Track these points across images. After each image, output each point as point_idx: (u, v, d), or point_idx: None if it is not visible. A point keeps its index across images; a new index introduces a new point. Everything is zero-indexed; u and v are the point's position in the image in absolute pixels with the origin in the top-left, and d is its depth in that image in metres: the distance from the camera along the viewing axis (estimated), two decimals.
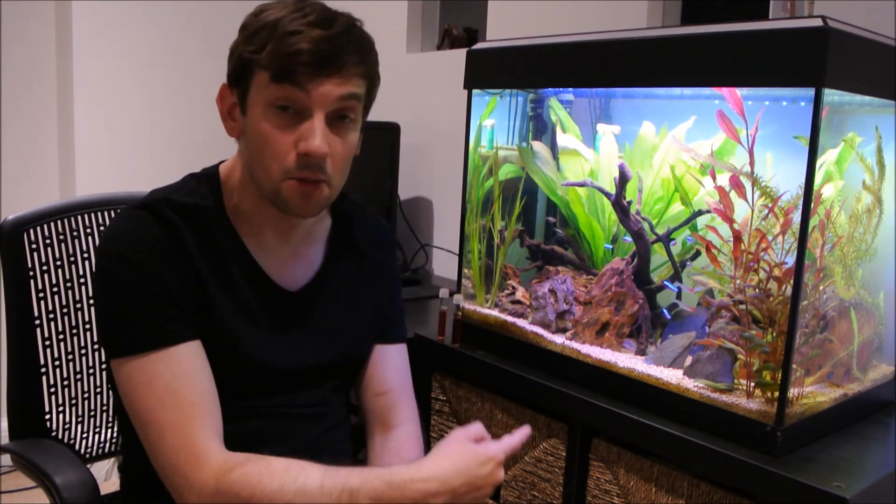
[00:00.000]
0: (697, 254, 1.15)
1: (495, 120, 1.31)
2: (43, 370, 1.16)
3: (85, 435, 1.23)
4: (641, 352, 1.12)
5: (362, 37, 0.94)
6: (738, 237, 0.97)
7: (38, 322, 1.15)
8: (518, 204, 1.29)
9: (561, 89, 1.28)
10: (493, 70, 1.25)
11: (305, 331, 1.02)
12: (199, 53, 2.42)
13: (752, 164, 0.95)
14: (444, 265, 2.05)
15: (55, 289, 1.18)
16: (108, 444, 1.27)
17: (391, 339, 1.12)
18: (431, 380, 1.30)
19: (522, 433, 0.92)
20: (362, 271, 1.09)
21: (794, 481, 0.85)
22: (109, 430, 1.26)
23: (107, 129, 2.30)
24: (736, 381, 0.97)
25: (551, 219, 1.37)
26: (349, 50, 0.90)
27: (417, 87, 2.13)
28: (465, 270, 1.32)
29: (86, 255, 1.22)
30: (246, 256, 0.99)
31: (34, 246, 1.15)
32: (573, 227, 1.31)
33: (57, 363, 1.18)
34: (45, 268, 1.16)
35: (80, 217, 1.22)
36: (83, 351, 1.21)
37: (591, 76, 1.12)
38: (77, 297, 1.20)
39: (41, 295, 1.16)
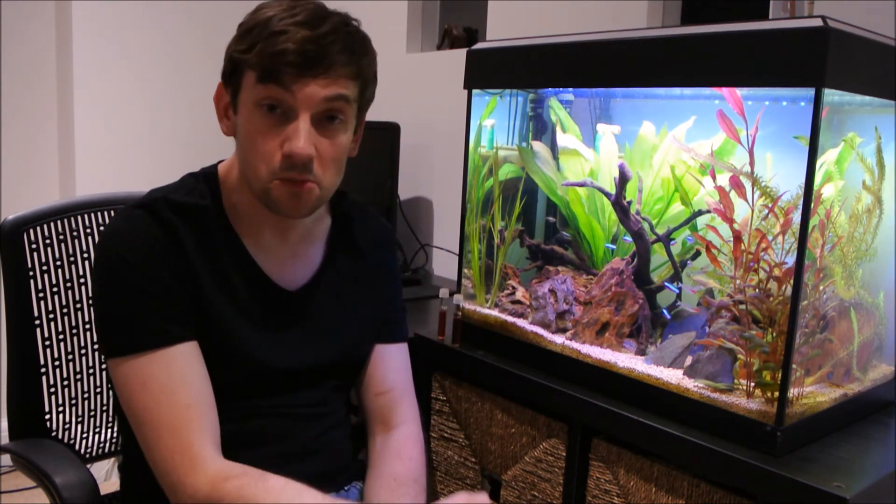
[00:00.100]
0: (697, 254, 1.15)
1: (495, 120, 1.31)
2: (43, 370, 1.16)
3: (85, 435, 1.23)
4: (641, 352, 1.12)
5: (354, 37, 0.92)
6: (738, 237, 0.97)
7: (38, 322, 1.15)
8: (518, 204, 1.29)
9: (561, 89, 1.28)
10: (493, 70, 1.25)
11: (305, 331, 1.02)
12: (199, 53, 2.42)
13: (752, 164, 0.95)
14: (444, 265, 2.05)
15: (55, 289, 1.18)
16: (108, 444, 1.27)
17: (392, 339, 1.12)
18: (431, 380, 1.30)
19: None
20: (362, 271, 1.09)
21: (794, 481, 0.85)
22: (109, 430, 1.26)
23: (107, 129, 2.30)
24: (736, 381, 0.97)
25: (551, 219, 1.37)
26: (336, 50, 0.89)
27: (417, 87, 2.13)
28: (465, 270, 1.32)
29: (86, 255, 1.21)
30: (244, 256, 0.98)
31: (34, 246, 1.15)
32: (573, 227, 1.31)
33: (57, 363, 1.18)
34: (45, 268, 1.16)
35: (80, 217, 1.22)
36: (83, 351, 1.21)
37: (591, 76, 1.12)
38: (77, 297, 1.20)
39: (41, 295, 1.16)
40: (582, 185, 1.25)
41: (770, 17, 1.27)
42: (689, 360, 1.04)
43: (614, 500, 1.05)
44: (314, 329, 1.03)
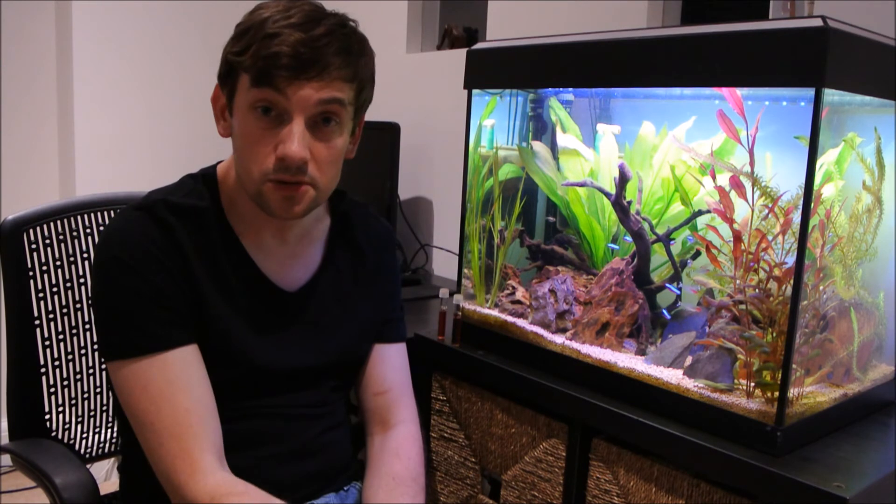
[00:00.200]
0: (697, 254, 1.15)
1: (495, 120, 1.31)
2: (43, 370, 1.16)
3: (85, 435, 1.23)
4: (641, 352, 1.12)
5: (350, 38, 0.91)
6: (738, 237, 0.97)
7: (37, 322, 1.16)
8: (518, 204, 1.29)
9: (561, 89, 1.28)
10: (493, 70, 1.24)
11: (304, 331, 1.02)
12: (199, 53, 2.42)
13: (752, 164, 0.95)
14: (444, 265, 2.05)
15: (55, 289, 1.18)
16: (108, 444, 1.27)
17: (391, 339, 1.12)
18: (431, 380, 1.30)
19: None
20: (362, 271, 1.09)
21: (794, 481, 0.85)
22: (109, 430, 1.26)
23: (107, 129, 2.30)
24: (736, 381, 0.97)
25: (551, 219, 1.37)
26: (331, 52, 0.88)
27: (417, 87, 2.13)
28: (465, 270, 1.32)
29: (86, 256, 1.22)
30: (244, 257, 0.98)
31: (34, 246, 1.15)
32: (573, 227, 1.31)
33: (57, 363, 1.18)
34: (44, 268, 1.16)
35: (80, 217, 1.22)
36: (83, 351, 1.21)
37: (591, 76, 1.12)
38: (77, 298, 1.20)
39: (41, 295, 1.16)
40: (582, 185, 1.25)
41: (770, 17, 1.27)
42: (689, 360, 1.04)
43: (614, 500, 1.05)
44: (313, 330, 1.03)
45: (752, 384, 0.95)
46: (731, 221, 0.99)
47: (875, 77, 0.95)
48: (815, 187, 0.87)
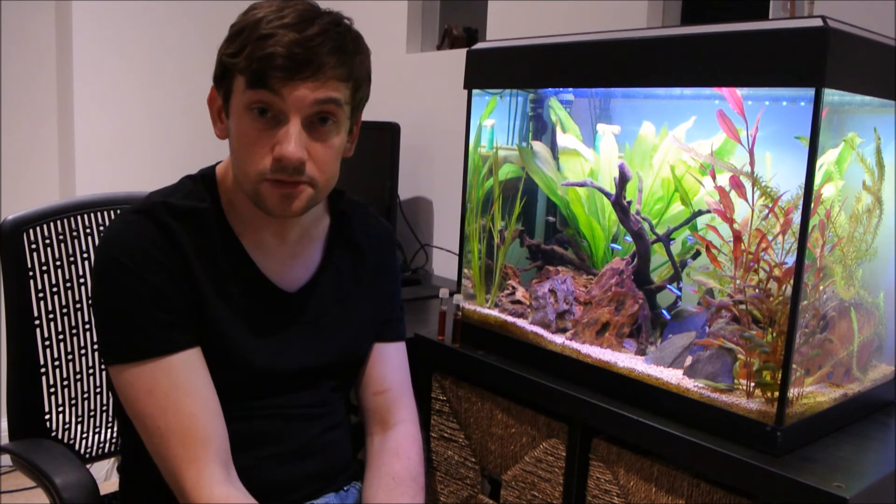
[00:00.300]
0: (697, 254, 1.15)
1: (495, 120, 1.31)
2: (43, 370, 1.16)
3: (85, 435, 1.23)
4: (641, 352, 1.12)
5: (344, 37, 0.91)
6: (738, 237, 0.97)
7: (37, 322, 1.16)
8: (518, 204, 1.29)
9: (561, 89, 1.28)
10: (493, 70, 1.24)
11: (304, 332, 1.02)
12: (199, 53, 2.42)
13: (752, 164, 0.95)
14: (444, 265, 2.05)
15: (55, 289, 1.18)
16: (107, 444, 1.27)
17: (391, 338, 1.12)
18: (431, 380, 1.30)
19: None
20: (362, 270, 1.09)
21: (794, 481, 0.85)
22: (109, 430, 1.26)
23: (107, 129, 2.30)
24: (736, 381, 0.97)
25: (551, 219, 1.37)
26: (325, 52, 0.88)
27: (417, 87, 2.13)
28: (465, 270, 1.32)
29: (85, 256, 1.22)
30: (244, 258, 0.98)
31: (34, 246, 1.15)
32: (573, 227, 1.31)
33: (57, 363, 1.18)
34: (44, 268, 1.16)
35: (80, 217, 1.22)
36: (83, 351, 1.21)
37: (591, 76, 1.12)
38: (77, 298, 1.20)
39: (41, 295, 1.16)
40: (582, 185, 1.25)
41: (770, 17, 1.27)
42: (689, 360, 1.04)
43: (614, 500, 1.05)
44: (313, 330, 1.03)
45: (752, 384, 0.95)
46: (731, 221, 0.99)
47: (875, 77, 0.95)
48: (815, 187, 0.87)
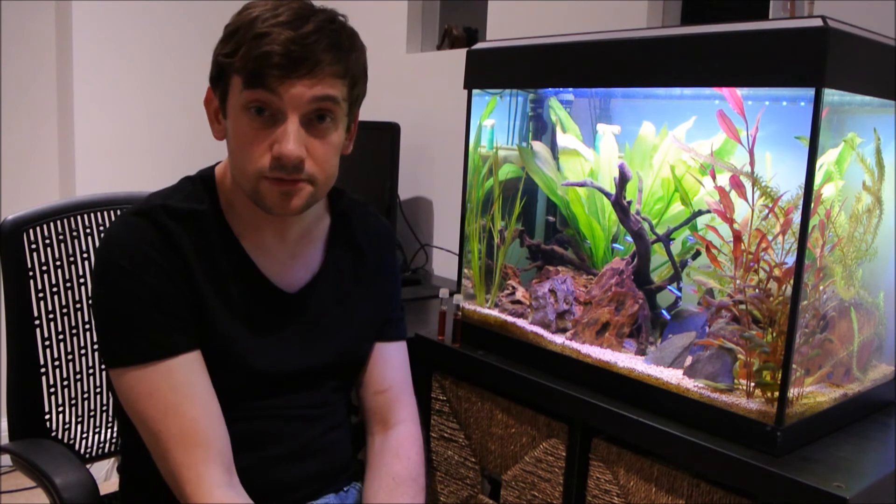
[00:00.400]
0: (697, 254, 1.15)
1: (495, 120, 1.31)
2: (43, 370, 1.16)
3: (85, 435, 1.23)
4: (641, 352, 1.12)
5: (339, 34, 0.91)
6: (738, 237, 0.97)
7: (37, 322, 1.15)
8: (518, 204, 1.29)
9: (561, 89, 1.28)
10: (493, 70, 1.24)
11: (305, 332, 1.02)
12: (199, 53, 2.42)
13: (752, 164, 0.95)
14: (444, 265, 2.05)
15: (55, 289, 1.18)
16: (107, 444, 1.27)
17: (391, 338, 1.12)
18: (431, 380, 1.30)
19: None
20: (362, 270, 1.09)
21: (794, 481, 0.85)
22: (109, 430, 1.26)
23: (107, 129, 2.30)
24: (736, 381, 0.97)
25: (551, 218, 1.37)
26: (321, 49, 0.88)
27: (417, 87, 2.13)
28: (465, 270, 1.32)
29: (85, 256, 1.22)
30: (244, 259, 0.98)
31: (34, 246, 1.15)
32: (573, 227, 1.31)
33: (57, 363, 1.18)
34: (44, 268, 1.16)
35: (80, 217, 1.22)
36: (83, 351, 1.21)
37: (591, 76, 1.12)
38: (77, 298, 1.20)
39: (41, 295, 1.16)
40: (582, 185, 1.25)
41: (770, 17, 1.27)
42: (689, 360, 1.04)
43: (614, 500, 1.05)
44: (314, 331, 1.03)
45: (752, 384, 0.95)
46: (731, 221, 0.99)
47: (875, 77, 0.95)
48: (815, 187, 0.87)
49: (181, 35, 2.40)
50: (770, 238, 0.94)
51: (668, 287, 1.17)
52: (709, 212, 1.07)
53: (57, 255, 1.18)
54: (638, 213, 1.17)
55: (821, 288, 0.98)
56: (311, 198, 0.95)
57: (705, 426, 0.96)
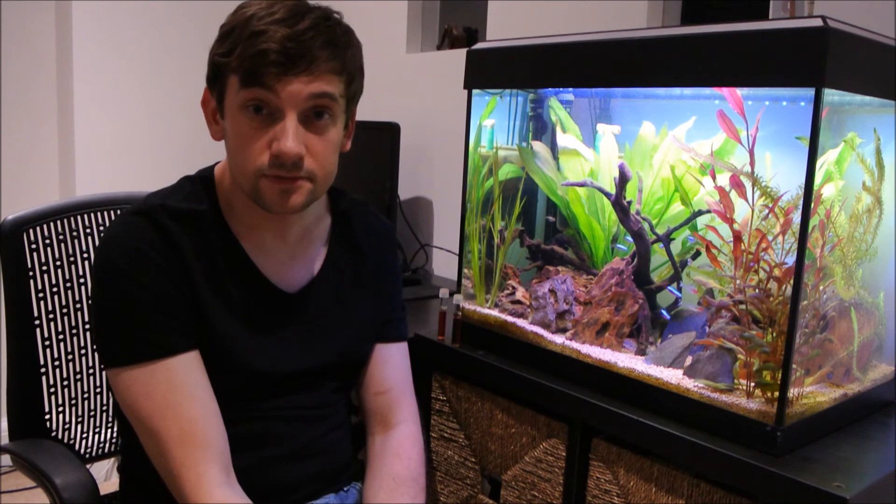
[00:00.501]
0: (697, 254, 1.15)
1: (495, 120, 1.31)
2: (43, 370, 1.16)
3: (85, 435, 1.23)
4: (641, 352, 1.12)
5: (335, 30, 0.91)
6: (738, 237, 0.97)
7: (37, 322, 1.16)
8: (518, 204, 1.29)
9: (561, 89, 1.28)
10: (493, 70, 1.24)
11: (305, 333, 1.02)
12: (199, 53, 2.41)
13: (752, 164, 0.95)
14: (444, 265, 2.05)
15: (55, 289, 1.18)
16: (108, 444, 1.27)
17: (392, 338, 1.12)
18: (431, 380, 1.30)
19: None
20: (363, 270, 1.09)
21: (794, 481, 0.85)
22: (109, 430, 1.26)
23: (107, 129, 2.30)
24: (736, 381, 0.97)
25: (551, 218, 1.37)
26: (317, 46, 0.88)
27: (417, 87, 2.13)
28: (465, 270, 1.32)
29: (85, 256, 1.22)
30: (244, 259, 0.98)
31: (34, 246, 1.15)
32: (573, 227, 1.31)
33: (57, 363, 1.18)
34: (44, 268, 1.16)
35: (79, 217, 1.22)
36: (83, 351, 1.21)
37: (591, 76, 1.12)
38: (77, 298, 1.20)
39: (41, 295, 1.16)
40: (582, 185, 1.25)
41: (770, 17, 1.27)
42: (689, 360, 1.04)
43: (614, 500, 1.05)
44: (314, 331, 1.03)
45: (752, 384, 0.95)
46: (731, 221, 0.99)
47: (875, 77, 0.95)
48: (815, 187, 0.87)
49: (181, 35, 2.40)
50: (770, 238, 0.94)
51: (668, 287, 1.17)
52: (709, 212, 1.07)
53: (57, 255, 1.18)
54: (638, 213, 1.17)
55: (821, 288, 0.98)
56: (311, 195, 0.95)
57: (705, 426, 0.96)
